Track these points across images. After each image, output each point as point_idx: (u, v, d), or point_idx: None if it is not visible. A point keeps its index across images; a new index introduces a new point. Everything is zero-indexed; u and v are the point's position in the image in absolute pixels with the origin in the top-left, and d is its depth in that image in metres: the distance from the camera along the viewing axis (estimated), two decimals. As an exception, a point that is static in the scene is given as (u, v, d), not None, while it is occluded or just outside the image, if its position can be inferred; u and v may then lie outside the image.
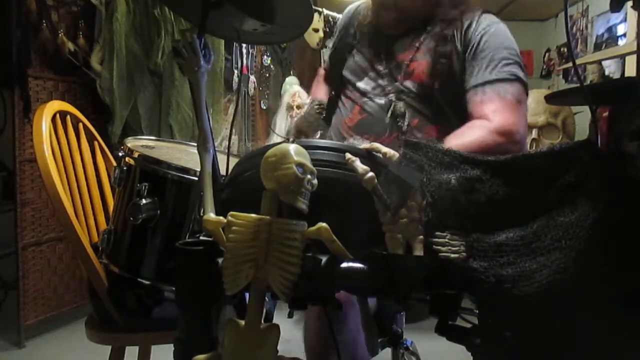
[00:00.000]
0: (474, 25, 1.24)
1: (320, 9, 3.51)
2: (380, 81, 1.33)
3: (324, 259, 0.64)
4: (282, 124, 3.36)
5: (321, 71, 1.64)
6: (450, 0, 1.29)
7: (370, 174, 0.66)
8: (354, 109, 1.35)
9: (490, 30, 1.22)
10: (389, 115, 1.28)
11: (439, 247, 0.64)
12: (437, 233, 0.64)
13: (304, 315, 1.15)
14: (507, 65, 1.19)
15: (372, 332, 1.14)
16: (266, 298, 0.65)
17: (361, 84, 1.37)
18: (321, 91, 1.56)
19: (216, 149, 0.84)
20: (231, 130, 2.49)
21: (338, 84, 1.45)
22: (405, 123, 1.26)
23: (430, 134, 1.27)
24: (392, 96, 1.28)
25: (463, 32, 1.25)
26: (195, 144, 0.89)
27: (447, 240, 0.64)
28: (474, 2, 1.32)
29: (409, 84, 1.29)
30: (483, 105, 1.17)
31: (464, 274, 0.61)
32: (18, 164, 2.39)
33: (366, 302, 1.12)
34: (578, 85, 0.70)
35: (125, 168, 1.18)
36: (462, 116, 1.22)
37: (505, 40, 1.22)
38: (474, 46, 1.22)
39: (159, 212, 1.11)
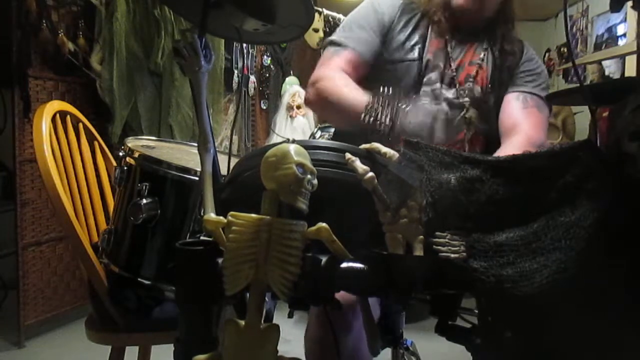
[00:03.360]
0: (526, 48, 1.42)
1: (320, 9, 3.50)
2: (438, 85, 1.31)
3: (324, 259, 0.64)
4: (282, 124, 3.36)
5: (350, 56, 1.30)
6: (509, 12, 1.39)
7: (370, 174, 0.66)
8: None
9: (537, 58, 1.44)
10: (460, 119, 1.29)
11: (439, 247, 0.64)
12: (437, 233, 0.64)
13: (308, 320, 1.14)
14: (545, 91, 1.37)
15: (373, 333, 1.13)
16: (266, 298, 0.65)
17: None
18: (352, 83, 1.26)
19: (216, 149, 0.84)
20: (232, 131, 2.48)
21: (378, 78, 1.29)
22: (471, 132, 1.30)
23: (475, 144, 1.32)
24: (466, 100, 1.31)
25: (519, 50, 1.40)
26: (195, 144, 0.89)
27: (447, 240, 0.64)
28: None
29: (468, 87, 1.32)
30: (524, 112, 1.31)
31: (464, 274, 0.61)
32: (18, 164, 2.39)
33: (367, 302, 1.11)
34: (578, 85, 0.70)
35: (125, 168, 1.18)
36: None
37: (545, 71, 1.44)
38: (524, 63, 1.39)
39: (159, 212, 1.11)
